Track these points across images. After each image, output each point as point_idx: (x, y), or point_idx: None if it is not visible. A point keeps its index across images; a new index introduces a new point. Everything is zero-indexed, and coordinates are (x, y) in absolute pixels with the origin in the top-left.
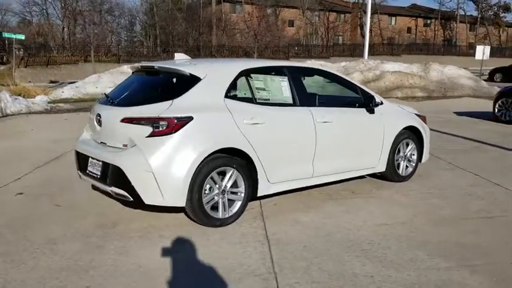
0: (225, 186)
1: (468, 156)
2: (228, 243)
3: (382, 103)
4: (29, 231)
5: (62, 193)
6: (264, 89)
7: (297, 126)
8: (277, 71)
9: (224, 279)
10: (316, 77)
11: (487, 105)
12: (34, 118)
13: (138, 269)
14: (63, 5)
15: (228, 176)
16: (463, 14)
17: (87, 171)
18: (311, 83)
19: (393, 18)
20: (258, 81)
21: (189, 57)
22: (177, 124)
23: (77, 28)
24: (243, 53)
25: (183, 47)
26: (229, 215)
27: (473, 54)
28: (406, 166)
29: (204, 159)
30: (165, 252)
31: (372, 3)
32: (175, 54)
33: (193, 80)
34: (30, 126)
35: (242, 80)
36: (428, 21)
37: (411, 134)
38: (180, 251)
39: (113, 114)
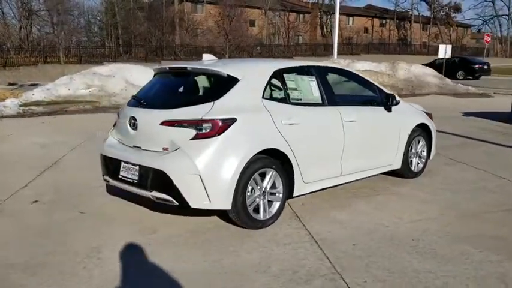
0: (265, 187)
1: (464, 152)
2: (277, 244)
3: (400, 102)
4: (66, 240)
5: (79, 200)
6: (295, 89)
7: (328, 126)
8: (306, 70)
9: (292, 281)
10: (330, 75)
11: (467, 104)
12: (8, 122)
13: (204, 274)
14: (19, 4)
15: (268, 177)
16: (417, 14)
17: (120, 177)
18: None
19: (350, 18)
20: (289, 81)
21: (217, 58)
22: (222, 126)
23: (34, 28)
24: (208, 52)
25: (146, 46)
26: (270, 216)
27: (427, 53)
28: (418, 163)
29: (249, 160)
30: (222, 255)
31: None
32: (204, 55)
33: (231, 81)
34: (7, 131)
35: (276, 80)
36: (384, 22)
37: (422, 131)
38: (236, 254)
39: (151, 117)
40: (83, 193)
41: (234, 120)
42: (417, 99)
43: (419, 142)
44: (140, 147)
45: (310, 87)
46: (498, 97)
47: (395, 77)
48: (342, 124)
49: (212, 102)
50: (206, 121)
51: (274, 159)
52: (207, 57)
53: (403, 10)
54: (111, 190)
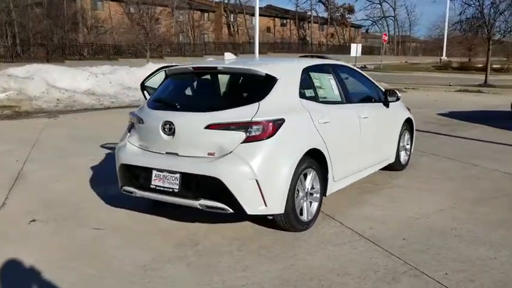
0: (307, 188)
1: (424, 144)
2: (332, 245)
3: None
4: (106, 261)
5: (83, 215)
6: (320, 87)
7: (349, 123)
8: (325, 68)
9: (381, 281)
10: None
11: None
12: None
13: (287, 282)
14: None
15: (309, 177)
16: (316, 15)
17: (152, 186)
18: None
19: (253, 18)
20: (315, 79)
21: (236, 56)
22: (273, 127)
23: None
24: (114, 51)
25: (47, 45)
26: (311, 217)
27: (322, 52)
28: (404, 155)
29: (299, 162)
30: (288, 261)
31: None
32: (226, 53)
33: (270, 81)
34: None
35: (305, 79)
36: (285, 21)
37: (408, 125)
38: (301, 259)
39: (193, 121)
40: (81, 207)
41: (283, 120)
42: None
43: (405, 136)
44: (177, 154)
45: (330, 85)
46: (411, 92)
47: None
48: (359, 121)
49: (257, 103)
50: (256, 123)
51: (313, 159)
52: (228, 56)
53: (303, 11)
54: (112, 202)
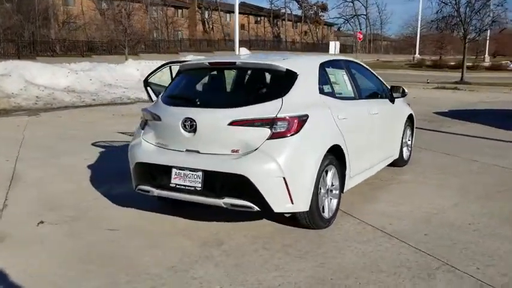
0: (328, 185)
1: (418, 139)
2: (357, 242)
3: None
4: (129, 264)
5: (92, 215)
6: (336, 83)
7: (363, 120)
8: (338, 64)
9: (417, 278)
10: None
11: None
12: None
13: (323, 281)
14: None
15: (330, 174)
16: (290, 12)
17: (172, 185)
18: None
19: (228, 15)
20: (331, 75)
21: (250, 52)
22: (298, 123)
23: None
24: (87, 48)
25: (17, 42)
26: (332, 214)
27: (296, 50)
28: (405, 151)
29: (323, 158)
30: (317, 259)
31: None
32: (241, 49)
33: (291, 76)
34: None
35: (322, 74)
36: (259, 19)
37: (409, 121)
38: (330, 257)
39: (216, 118)
40: (87, 207)
41: (307, 116)
42: None
43: (407, 132)
44: (198, 151)
45: (344, 81)
46: None
47: None
48: (371, 117)
49: (280, 99)
50: (282, 119)
51: (333, 156)
52: (244, 51)
53: (277, 8)
54: (118, 201)
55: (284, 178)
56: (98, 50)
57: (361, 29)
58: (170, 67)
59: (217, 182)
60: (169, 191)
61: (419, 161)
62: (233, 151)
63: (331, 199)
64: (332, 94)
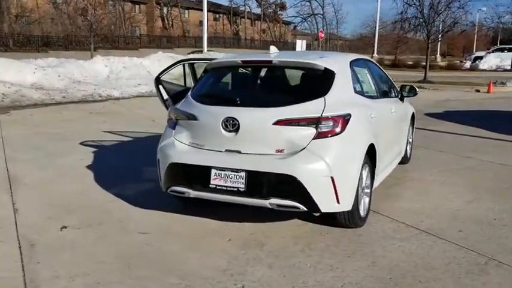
0: (364, 183)
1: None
2: (399, 240)
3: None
4: (176, 268)
5: (115, 218)
6: (363, 82)
7: (387, 118)
8: (362, 63)
9: (471, 273)
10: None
11: None
12: None
13: (380, 279)
14: None
15: (365, 173)
16: (249, 10)
17: (212, 186)
18: None
19: (187, 11)
20: (358, 74)
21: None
22: (343, 123)
23: None
24: (43, 43)
25: None
26: (366, 212)
27: (256, 47)
28: (407, 149)
29: (364, 157)
30: (367, 258)
31: None
32: (271, 47)
33: (329, 75)
34: None
35: (354, 73)
36: (218, 16)
37: (412, 119)
38: (379, 255)
39: (260, 117)
40: (106, 210)
41: (350, 116)
42: None
43: (410, 130)
44: (239, 151)
45: (368, 80)
46: None
47: None
48: (392, 116)
49: (323, 98)
50: (327, 118)
51: (367, 155)
52: (273, 50)
53: (236, 5)
54: (136, 203)
55: (332, 178)
56: (54, 46)
57: (318, 28)
58: (184, 65)
59: (263, 183)
60: (208, 192)
61: (419, 159)
62: (277, 151)
63: (365, 197)
64: (362, 93)
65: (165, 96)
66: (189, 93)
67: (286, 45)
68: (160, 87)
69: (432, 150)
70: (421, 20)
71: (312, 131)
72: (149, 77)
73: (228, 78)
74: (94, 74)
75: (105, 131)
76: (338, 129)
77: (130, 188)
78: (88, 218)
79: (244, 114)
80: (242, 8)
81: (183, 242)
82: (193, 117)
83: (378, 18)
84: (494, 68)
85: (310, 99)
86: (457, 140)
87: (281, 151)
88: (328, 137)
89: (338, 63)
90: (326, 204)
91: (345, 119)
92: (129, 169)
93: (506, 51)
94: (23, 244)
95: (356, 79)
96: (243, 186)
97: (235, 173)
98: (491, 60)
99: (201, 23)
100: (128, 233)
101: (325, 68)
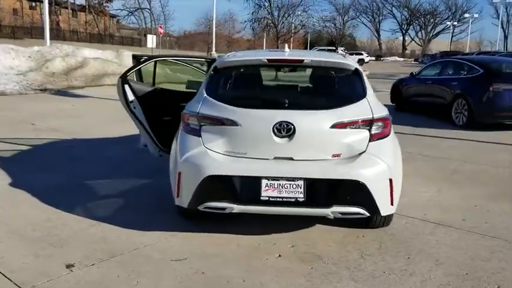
0: None
1: None
2: (430, 235)
3: None
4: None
5: (128, 247)
6: None
7: None
8: None
9: None
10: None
11: None
12: None
13: (466, 278)
14: None
15: None
16: (72, 1)
17: (264, 198)
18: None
19: None
20: None
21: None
22: (389, 124)
23: None
24: None
25: None
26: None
27: (82, 40)
28: None
29: None
30: (432, 261)
31: None
32: (285, 45)
33: (359, 75)
34: None
35: None
36: (34, 4)
37: None
38: (440, 256)
39: (317, 120)
40: (103, 238)
41: (391, 117)
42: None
43: None
44: (291, 158)
45: None
46: None
47: (124, 66)
48: None
49: (365, 99)
50: (379, 120)
51: None
52: (287, 49)
53: None
54: (124, 222)
55: (390, 180)
56: None
57: (145, 23)
58: (155, 63)
59: (324, 190)
60: (259, 205)
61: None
62: (334, 155)
63: None
64: None
65: (131, 97)
66: (205, 94)
67: (113, 39)
68: (126, 87)
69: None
70: (270, 21)
71: (366, 133)
72: None
73: (256, 79)
74: None
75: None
76: (387, 131)
77: (101, 207)
78: (88, 251)
79: (301, 118)
80: None
81: (232, 264)
82: (232, 123)
83: (214, 16)
84: None
85: (356, 100)
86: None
87: (338, 155)
88: (380, 138)
89: (356, 63)
90: (384, 207)
91: (390, 120)
92: (70, 184)
93: (326, 51)
94: None
95: None
96: (301, 196)
97: (291, 182)
98: None
99: (15, 11)
100: (159, 262)
101: (356, 69)
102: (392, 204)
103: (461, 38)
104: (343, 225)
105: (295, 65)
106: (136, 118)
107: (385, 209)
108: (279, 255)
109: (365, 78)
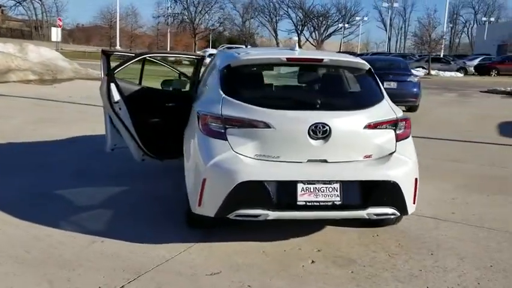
0: None
1: None
2: (446, 232)
3: None
4: None
5: (150, 265)
6: None
7: None
8: None
9: None
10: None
11: None
12: None
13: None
14: None
15: None
16: None
17: (300, 203)
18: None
19: None
20: None
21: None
22: (410, 124)
23: None
24: None
25: None
26: None
27: None
28: None
29: None
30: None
31: None
32: (296, 44)
33: (371, 75)
34: None
35: None
36: None
37: None
38: (454, 252)
39: (352, 121)
40: (134, 260)
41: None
42: (64, 85)
43: None
44: (325, 160)
45: None
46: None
47: (29, 61)
48: None
49: (385, 99)
50: (403, 120)
51: None
52: (297, 47)
53: None
54: (146, 239)
55: (416, 179)
56: None
57: (36, 15)
58: (143, 60)
59: (360, 192)
60: (295, 210)
61: None
62: (366, 156)
63: None
64: None
65: (117, 97)
66: (223, 94)
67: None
68: (112, 85)
69: None
70: (187, 17)
71: (392, 134)
72: None
73: (272, 78)
74: None
75: None
76: (409, 131)
77: (89, 220)
78: (107, 271)
79: (336, 119)
80: None
81: (271, 273)
82: (264, 125)
83: (117, 10)
84: None
85: (378, 100)
86: None
87: (369, 156)
88: (404, 139)
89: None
90: (410, 206)
91: (409, 120)
92: (35, 195)
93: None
94: None
95: None
96: (338, 199)
97: (327, 186)
98: None
99: None
100: (194, 278)
101: (369, 68)
102: (414, 202)
103: (351, 40)
104: (350, 225)
105: (316, 65)
106: (120, 120)
107: (411, 208)
108: (312, 261)
109: (377, 78)
